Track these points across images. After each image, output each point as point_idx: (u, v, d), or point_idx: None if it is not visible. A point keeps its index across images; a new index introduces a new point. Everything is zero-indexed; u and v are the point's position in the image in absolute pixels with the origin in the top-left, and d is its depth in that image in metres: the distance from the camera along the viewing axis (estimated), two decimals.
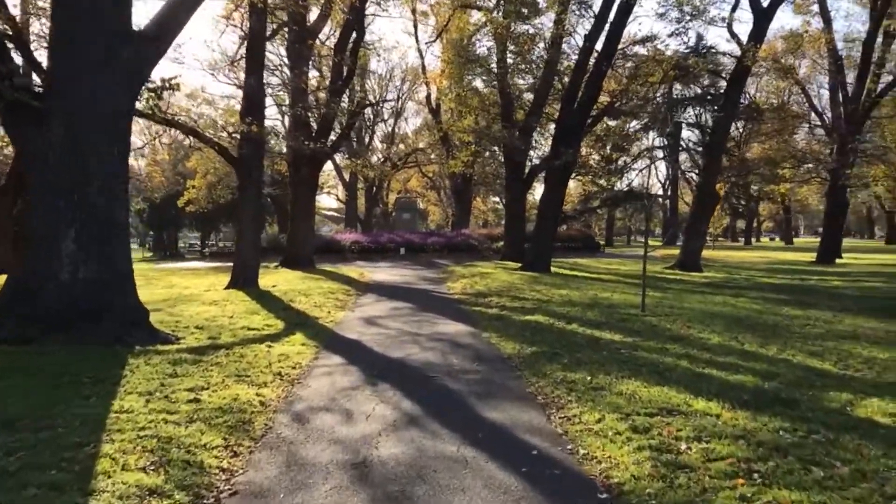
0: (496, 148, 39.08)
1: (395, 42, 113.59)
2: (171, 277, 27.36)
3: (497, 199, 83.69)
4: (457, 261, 35.88)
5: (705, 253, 32.43)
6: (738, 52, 31.64)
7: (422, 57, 57.20)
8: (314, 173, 32.08)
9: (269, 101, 34.61)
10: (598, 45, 26.22)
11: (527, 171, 34.67)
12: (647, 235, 14.96)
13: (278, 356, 10.22)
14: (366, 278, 26.76)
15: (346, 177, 65.44)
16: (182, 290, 21.53)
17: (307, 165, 30.91)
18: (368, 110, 65.16)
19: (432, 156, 64.22)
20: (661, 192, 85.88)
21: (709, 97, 36.51)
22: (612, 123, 36.02)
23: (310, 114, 31.35)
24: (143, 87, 12.66)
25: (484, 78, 37.07)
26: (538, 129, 35.96)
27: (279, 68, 35.29)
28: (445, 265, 33.23)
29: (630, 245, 78.53)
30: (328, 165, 65.12)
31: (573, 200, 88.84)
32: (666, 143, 66.63)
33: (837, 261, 37.30)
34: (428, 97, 57.01)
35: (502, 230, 46.18)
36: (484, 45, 37.11)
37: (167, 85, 12.59)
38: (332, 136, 34.14)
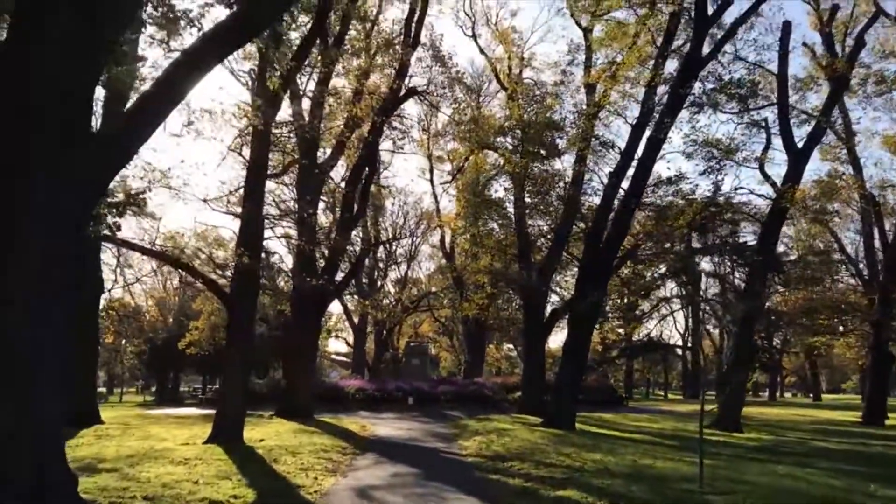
0: (512, 291, 36.85)
1: (411, 181, 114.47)
2: (154, 426, 24.54)
3: (511, 346, 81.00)
4: (469, 412, 32.84)
5: None
6: (767, 196, 29.97)
7: (436, 200, 56.57)
8: (318, 314, 29.81)
9: (273, 237, 32.99)
10: (625, 184, 24.54)
11: (546, 315, 32.30)
12: (703, 390, 12.27)
13: None
14: (367, 432, 23.84)
15: (356, 320, 63.13)
16: (157, 442, 18.77)
17: (311, 305, 28.74)
18: (381, 252, 64.00)
19: (445, 301, 62.28)
20: (677, 342, 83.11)
21: (728, 246, 34.63)
22: (637, 267, 33.85)
23: (316, 250, 29.53)
24: (103, 201, 10.58)
25: (500, 222, 35.41)
26: (559, 270, 33.88)
27: (285, 202, 33.81)
28: (457, 418, 30.24)
29: (648, 398, 74.45)
30: (337, 308, 63.29)
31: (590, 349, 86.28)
32: (684, 292, 64.89)
33: (887, 422, 33.96)
34: (442, 240, 55.95)
35: (518, 379, 43.39)
36: (501, 185, 35.79)
37: (132, 200, 10.48)
38: (340, 276, 32.20)
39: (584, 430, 24.34)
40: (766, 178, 28.71)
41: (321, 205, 32.04)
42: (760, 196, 29.57)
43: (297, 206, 27.24)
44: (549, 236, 34.53)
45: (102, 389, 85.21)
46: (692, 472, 14.01)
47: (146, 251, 18.49)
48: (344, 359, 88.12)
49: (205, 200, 20.43)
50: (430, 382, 42.10)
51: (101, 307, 27.69)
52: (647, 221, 29.01)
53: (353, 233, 34.49)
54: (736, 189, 30.27)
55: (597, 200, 27.79)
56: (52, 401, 9.11)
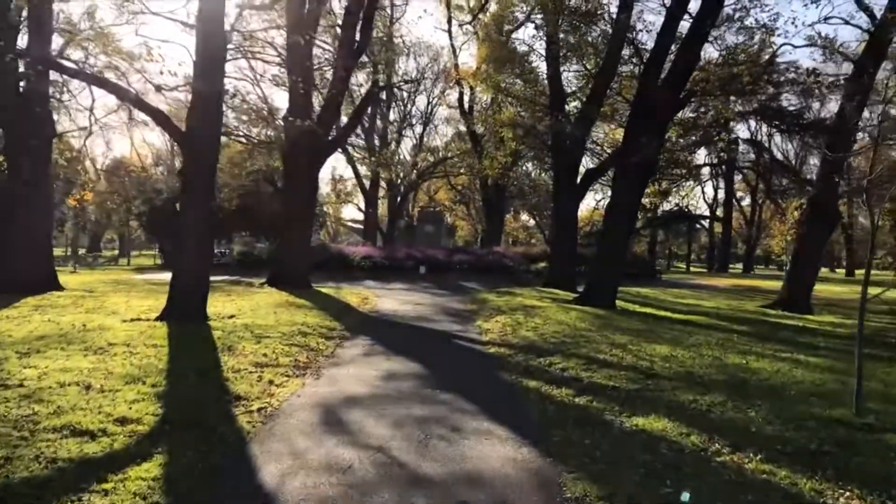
0: (540, 149, 31.95)
1: (429, 36, 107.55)
2: (118, 296, 20.67)
3: (527, 217, 76.81)
4: (488, 284, 28.88)
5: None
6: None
7: (455, 54, 51.13)
8: (313, 167, 25.33)
9: (250, 70, 28.23)
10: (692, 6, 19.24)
11: (580, 176, 27.71)
12: (868, 269, 7.82)
13: None
14: (367, 306, 19.91)
15: (367, 185, 58.73)
16: (99, 317, 14.86)
17: (304, 157, 24.23)
18: (394, 113, 58.88)
19: (462, 168, 57.70)
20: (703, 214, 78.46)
21: (770, 111, 29.40)
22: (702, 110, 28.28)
23: (314, 92, 24.78)
24: None
25: (527, 76, 29.92)
26: (598, 124, 28.90)
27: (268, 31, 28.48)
28: (474, 290, 26.28)
29: (669, 271, 69.92)
30: (349, 172, 58.89)
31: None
32: (719, 160, 59.61)
33: None
34: (460, 99, 51.02)
35: (540, 250, 39.24)
36: (528, 34, 30.20)
37: None
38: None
39: (625, 308, 20.27)
40: (864, 8, 23.05)
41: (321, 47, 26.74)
42: (857, 27, 23.88)
43: (284, 33, 22.15)
44: (586, 85, 29.32)
45: (110, 252, 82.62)
46: (810, 378, 9.83)
47: (82, 76, 13.92)
48: (359, 226, 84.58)
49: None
50: (445, 251, 38.07)
51: (54, 156, 23.32)
52: (711, 65, 23.59)
53: (359, 78, 29.45)
54: (825, 19, 24.68)
55: (645, 38, 22.57)
56: None
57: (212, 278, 31.05)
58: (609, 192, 24.61)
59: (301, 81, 22.13)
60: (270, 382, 8.92)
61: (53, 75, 24.57)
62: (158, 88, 15.18)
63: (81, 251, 78.51)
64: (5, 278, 21.11)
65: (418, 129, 63.16)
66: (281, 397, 8.24)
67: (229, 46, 16.12)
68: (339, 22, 25.16)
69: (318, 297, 21.28)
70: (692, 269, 79.41)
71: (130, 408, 7.21)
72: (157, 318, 14.59)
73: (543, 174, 58.16)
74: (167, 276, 33.13)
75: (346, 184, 67.03)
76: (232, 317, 15.31)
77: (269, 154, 29.35)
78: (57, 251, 66.49)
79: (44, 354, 10.12)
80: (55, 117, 28.98)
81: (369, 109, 52.76)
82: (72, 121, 29.82)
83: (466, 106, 50.41)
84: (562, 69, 28.55)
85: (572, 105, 29.20)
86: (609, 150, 33.46)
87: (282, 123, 22.88)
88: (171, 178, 57.67)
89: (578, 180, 27.53)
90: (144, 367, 9.25)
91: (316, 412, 7.64)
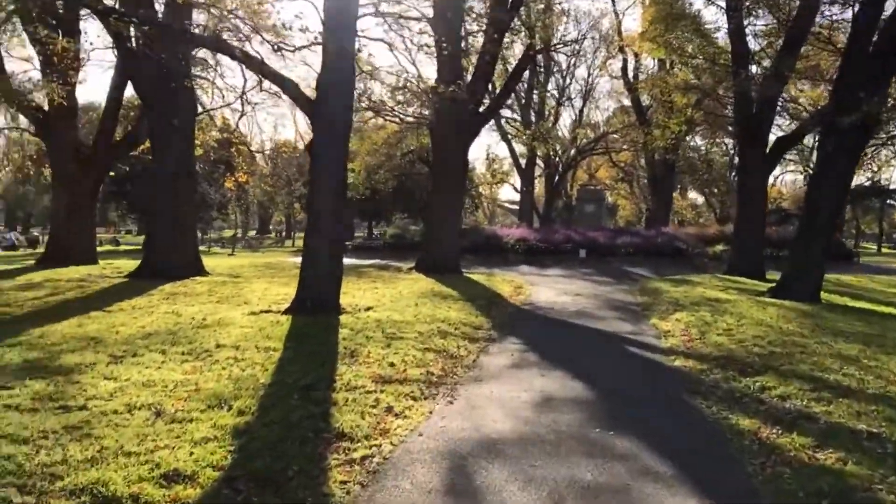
0: (719, 115, 28.20)
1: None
2: (261, 281, 19.66)
3: (695, 194, 71.58)
4: (658, 270, 25.78)
5: None
6: None
7: (617, 17, 47.91)
8: (463, 142, 23.28)
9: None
10: None
11: (770, 145, 23.93)
12: None
13: None
14: (521, 297, 17.63)
15: (523, 164, 56.24)
16: (231, 308, 13.57)
17: (454, 130, 22.23)
18: (552, 87, 55.97)
19: (624, 144, 54.22)
20: None
21: None
22: None
23: (464, 60, 22.69)
24: None
25: (698, 34, 26.24)
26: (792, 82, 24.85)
27: None
28: (643, 277, 23.34)
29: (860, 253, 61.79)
30: (504, 150, 56.66)
31: (784, 196, 74.22)
32: None
33: None
34: (624, 67, 47.95)
35: (716, 230, 35.29)
36: None
37: None
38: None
39: (831, 302, 16.79)
40: None
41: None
42: None
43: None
44: (775, 41, 25.36)
45: (276, 234, 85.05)
46: None
47: (198, 39, 12.47)
48: (516, 207, 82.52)
49: None
50: (607, 233, 35.08)
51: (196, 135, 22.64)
52: None
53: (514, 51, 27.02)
54: None
55: None
56: None
57: (362, 262, 30.32)
58: (793, 166, 20.86)
59: (448, 44, 20.05)
60: (388, 410, 6.81)
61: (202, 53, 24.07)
62: (278, 49, 13.47)
63: (251, 233, 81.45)
64: (151, 264, 20.67)
65: (578, 103, 59.99)
66: (397, 436, 6.11)
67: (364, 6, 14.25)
68: None
69: (466, 285, 19.23)
70: (884, 250, 70.80)
71: (192, 453, 5.31)
72: (285, 311, 13.03)
73: (715, 147, 53.64)
74: None
75: (502, 163, 64.87)
76: (368, 309, 13.49)
77: (417, 130, 27.62)
78: (226, 233, 69.19)
79: (138, 359, 8.62)
80: (208, 98, 28.78)
81: (525, 83, 50.35)
82: (223, 100, 29.31)
83: (631, 75, 47.18)
84: (745, 23, 24.79)
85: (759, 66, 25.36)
86: (808, 112, 29.02)
87: (429, 95, 21.00)
88: None
89: (767, 150, 23.76)
90: (241, 382, 7.44)
91: (439, 468, 5.42)
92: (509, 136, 53.01)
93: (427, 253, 23.90)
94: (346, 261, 32.66)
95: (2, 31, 25.74)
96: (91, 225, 26.89)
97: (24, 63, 26.59)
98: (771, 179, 61.89)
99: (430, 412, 6.95)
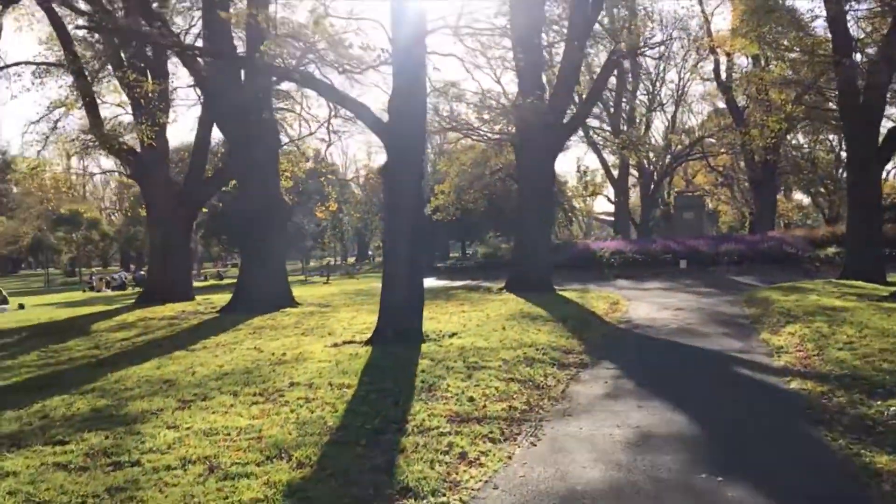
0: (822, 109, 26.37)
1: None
2: (351, 310, 19.44)
3: (801, 196, 67.98)
4: (765, 278, 24.16)
5: None
6: None
7: (706, 19, 46.06)
8: (548, 154, 22.48)
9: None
10: None
11: (882, 137, 22.11)
12: None
13: None
14: (617, 313, 16.69)
15: (616, 174, 54.74)
16: (313, 341, 13.33)
17: (539, 143, 21.49)
18: (642, 93, 54.35)
19: (721, 148, 52.11)
20: None
21: None
22: None
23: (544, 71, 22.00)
24: None
25: (793, 26, 24.65)
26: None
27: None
28: (749, 287, 21.88)
29: None
30: (594, 161, 55.33)
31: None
32: None
33: None
34: (716, 68, 46.09)
35: (825, 232, 33.06)
36: None
37: None
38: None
39: None
40: None
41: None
42: None
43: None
44: (880, 25, 23.53)
45: (380, 259, 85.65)
46: None
47: (279, 72, 12.25)
48: (611, 218, 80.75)
49: None
50: (709, 240, 33.40)
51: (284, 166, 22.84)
52: None
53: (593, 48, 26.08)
54: None
55: None
56: None
57: (453, 284, 29.82)
58: None
59: (526, 54, 19.42)
60: (462, 456, 6.13)
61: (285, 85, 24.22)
62: (343, 70, 13.13)
63: (351, 260, 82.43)
64: (242, 298, 20.77)
65: (669, 109, 58.05)
66: (468, 490, 5.41)
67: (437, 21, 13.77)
68: None
69: (558, 303, 18.38)
70: None
71: None
72: (367, 341, 12.57)
73: (819, 143, 50.82)
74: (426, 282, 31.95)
75: (595, 174, 63.36)
76: (453, 335, 12.88)
77: (498, 148, 27.06)
78: (324, 262, 70.06)
79: (207, 403, 8.26)
80: (295, 130, 28.97)
81: (613, 91, 49.13)
82: (309, 130, 29.45)
83: (724, 76, 45.30)
84: (846, 8, 23.12)
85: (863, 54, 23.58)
86: None
87: (510, 110, 20.40)
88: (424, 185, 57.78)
89: (880, 142, 21.95)
90: (307, 427, 6.93)
91: None
92: (599, 146, 51.70)
93: (517, 271, 23.19)
94: (437, 283, 32.58)
95: (98, 80, 26.63)
96: (186, 262, 27.38)
97: (116, 108, 27.43)
98: (884, 173, 58.25)
99: (510, 457, 6.23)
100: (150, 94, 21.23)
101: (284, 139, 25.92)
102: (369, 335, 12.87)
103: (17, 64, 25.28)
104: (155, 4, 22.60)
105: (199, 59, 19.36)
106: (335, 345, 12.60)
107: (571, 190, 63.97)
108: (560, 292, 21.58)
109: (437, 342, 12.12)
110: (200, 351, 12.80)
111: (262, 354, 11.85)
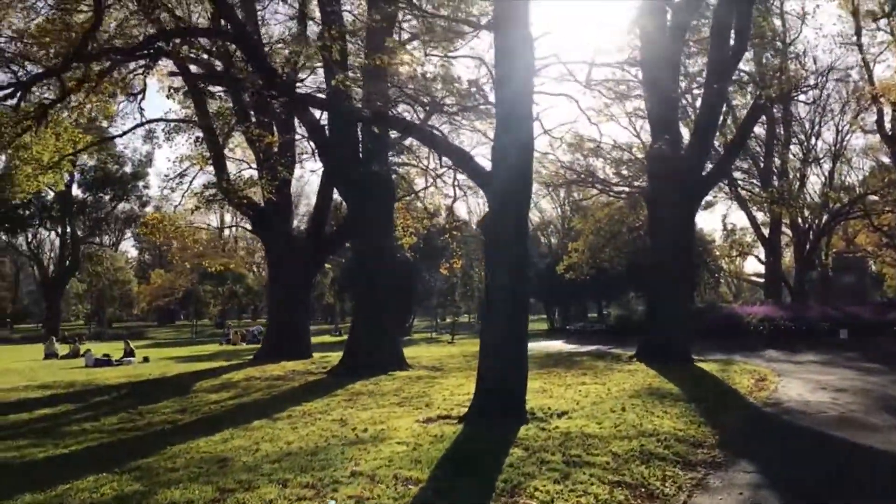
0: None
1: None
2: (462, 375, 18.00)
3: None
4: None
5: None
6: None
7: (868, 69, 42.44)
8: (686, 209, 20.37)
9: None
10: None
11: None
12: None
13: None
14: (762, 394, 14.25)
15: (766, 232, 50.81)
16: (404, 413, 12.04)
17: (675, 197, 19.49)
18: (795, 148, 50.50)
19: (886, 206, 47.46)
20: None
21: None
22: None
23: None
24: None
25: None
26: None
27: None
28: None
29: None
30: (741, 218, 51.76)
31: None
32: None
33: None
34: (879, 119, 42.45)
35: None
36: None
37: None
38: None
39: None
40: None
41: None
42: None
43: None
44: None
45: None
46: None
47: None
48: (762, 280, 75.49)
49: None
50: (873, 307, 29.70)
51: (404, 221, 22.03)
52: None
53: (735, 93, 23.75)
54: None
55: None
56: None
57: (579, 349, 27.78)
58: None
59: (657, 93, 17.64)
60: None
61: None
62: (435, 109, 11.86)
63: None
64: (350, 359, 19.93)
65: (826, 165, 53.65)
66: None
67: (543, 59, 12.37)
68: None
69: (693, 377, 16.17)
70: None
71: None
72: (461, 417, 11.03)
73: None
74: (549, 344, 30.28)
75: (744, 233, 59.32)
76: (562, 415, 11.16)
77: (633, 204, 25.18)
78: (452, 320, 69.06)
79: (246, 495, 7.03)
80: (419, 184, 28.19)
81: (763, 144, 45.93)
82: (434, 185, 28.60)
83: (888, 127, 41.41)
84: None
85: None
86: None
87: (638, 159, 18.59)
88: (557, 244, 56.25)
89: None
90: None
91: None
92: (747, 202, 48.31)
93: (649, 338, 21.02)
94: (565, 347, 30.59)
95: (228, 137, 26.97)
96: (305, 318, 26.91)
97: (242, 162, 27.80)
98: None
99: None
100: (271, 148, 21.07)
101: (401, 193, 25.18)
102: (457, 412, 11.35)
103: (152, 121, 26.11)
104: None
105: (311, 110, 18.89)
106: (427, 420, 11.17)
107: (718, 249, 60.26)
108: (698, 363, 19.25)
109: (540, 423, 10.42)
110: (282, 421, 11.67)
111: (343, 429, 10.57)
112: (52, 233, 69.66)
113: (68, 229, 65.21)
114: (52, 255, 73.97)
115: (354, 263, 20.80)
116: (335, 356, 24.50)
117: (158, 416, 12.77)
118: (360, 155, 20.09)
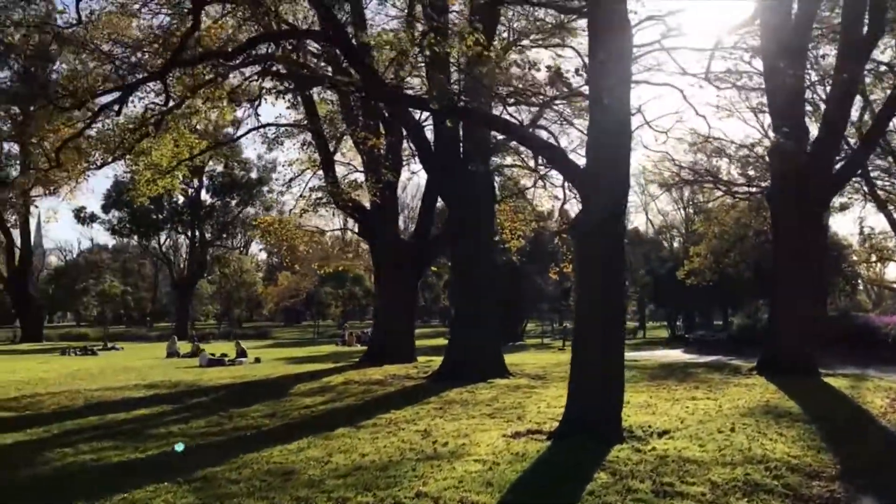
0: None
1: None
2: (564, 385, 17.10)
3: None
4: None
5: None
6: None
7: None
8: (815, 207, 18.67)
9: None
10: None
11: None
12: None
13: None
14: (891, 413, 12.66)
15: None
16: (493, 425, 11.39)
17: (801, 194, 17.88)
18: None
19: None
20: None
21: None
22: None
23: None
24: None
25: None
26: None
27: None
28: None
29: None
30: (880, 221, 47.81)
31: None
32: None
33: None
34: None
35: None
36: None
37: None
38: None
39: None
40: None
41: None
42: None
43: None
44: None
45: (631, 324, 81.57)
46: None
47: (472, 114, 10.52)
48: None
49: None
50: None
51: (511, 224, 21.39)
52: None
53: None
54: None
55: None
56: None
57: (697, 360, 26.21)
58: None
59: (780, 81, 16.17)
60: None
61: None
62: (506, 99, 11.06)
63: None
64: (449, 365, 19.44)
65: None
66: None
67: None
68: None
69: (818, 394, 14.71)
70: None
71: None
72: (551, 434, 10.24)
73: None
74: (666, 353, 28.88)
75: (883, 238, 54.98)
76: (663, 434, 10.21)
77: (754, 206, 23.52)
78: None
79: None
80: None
81: None
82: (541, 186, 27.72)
83: None
84: None
85: None
86: None
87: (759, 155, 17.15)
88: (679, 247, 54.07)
89: None
90: None
91: None
92: (885, 203, 44.67)
93: (770, 349, 19.40)
94: (682, 357, 29.00)
95: (340, 141, 27.05)
96: (410, 321, 26.61)
97: (350, 165, 27.97)
98: None
99: None
100: (376, 151, 20.87)
101: (506, 193, 24.55)
102: (549, 426, 10.59)
103: (264, 126, 26.46)
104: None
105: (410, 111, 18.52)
106: (514, 434, 10.47)
107: (856, 254, 56.23)
108: (825, 378, 17.55)
109: (636, 442, 9.54)
110: (365, 430, 11.25)
111: (424, 441, 10.03)
112: (183, 236, 72.94)
113: (197, 233, 68.11)
114: (184, 257, 77.52)
115: (453, 267, 20.29)
116: (439, 360, 24.14)
117: (246, 421, 12.64)
118: (461, 156, 19.57)
